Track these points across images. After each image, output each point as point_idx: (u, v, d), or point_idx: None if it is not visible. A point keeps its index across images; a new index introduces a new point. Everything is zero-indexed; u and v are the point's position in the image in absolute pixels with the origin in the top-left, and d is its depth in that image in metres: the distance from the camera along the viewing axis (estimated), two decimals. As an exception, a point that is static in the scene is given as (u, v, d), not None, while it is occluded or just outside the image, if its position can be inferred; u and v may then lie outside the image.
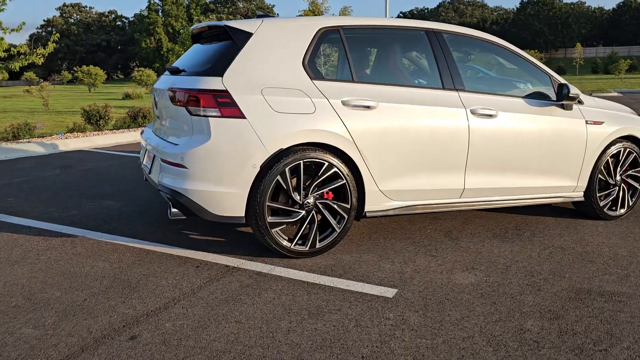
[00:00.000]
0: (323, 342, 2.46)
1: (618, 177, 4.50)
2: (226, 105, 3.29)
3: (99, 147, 8.75)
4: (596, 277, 3.26)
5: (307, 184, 3.50)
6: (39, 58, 9.60)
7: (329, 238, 3.57)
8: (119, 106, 19.53)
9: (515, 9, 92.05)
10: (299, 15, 22.33)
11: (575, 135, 4.20)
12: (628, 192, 4.57)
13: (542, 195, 4.25)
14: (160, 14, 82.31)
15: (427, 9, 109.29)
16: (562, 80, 4.21)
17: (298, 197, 3.45)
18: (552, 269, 3.39)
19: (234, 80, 3.34)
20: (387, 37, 4.12)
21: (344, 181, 3.52)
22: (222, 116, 3.28)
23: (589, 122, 4.26)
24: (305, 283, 3.14)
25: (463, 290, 3.05)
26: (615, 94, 22.91)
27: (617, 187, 4.50)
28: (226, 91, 3.30)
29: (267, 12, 3.94)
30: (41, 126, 10.85)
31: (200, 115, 3.31)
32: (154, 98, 4.16)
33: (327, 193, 3.54)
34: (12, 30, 9.59)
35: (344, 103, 3.49)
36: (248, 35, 3.49)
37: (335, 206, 3.54)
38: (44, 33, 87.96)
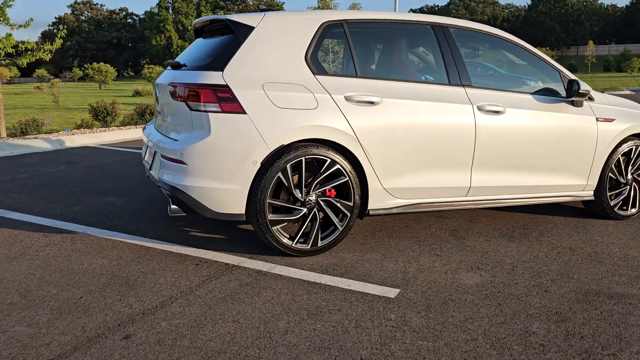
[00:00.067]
0: (321, 344, 2.39)
1: (629, 176, 4.39)
2: (226, 100, 3.23)
3: (105, 144, 8.74)
4: (605, 279, 3.16)
5: (309, 181, 3.43)
6: (46, 54, 9.60)
7: (331, 236, 3.50)
8: (128, 103, 19.59)
9: (526, 6, 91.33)
10: (308, 12, 22.18)
11: (585, 132, 4.09)
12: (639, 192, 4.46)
13: (551, 194, 4.15)
14: (170, 11, 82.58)
15: (438, 6, 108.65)
16: (572, 76, 4.11)
17: (300, 195, 3.38)
18: (560, 270, 3.30)
19: (234, 74, 3.28)
20: (392, 32, 4.04)
21: (347, 178, 3.45)
22: (223, 111, 3.22)
23: (599, 120, 4.15)
24: (305, 282, 3.07)
25: (467, 291, 2.96)
26: (628, 92, 22.62)
27: (629, 186, 4.39)
28: (226, 86, 3.24)
29: (270, 7, 3.87)
30: (49, 122, 10.87)
31: (200, 111, 3.25)
32: (156, 93, 4.11)
33: (329, 190, 3.47)
34: (20, 26, 9.60)
35: (347, 99, 3.42)
36: (250, 29, 3.43)
37: (338, 204, 3.47)
38: (55, 30, 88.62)
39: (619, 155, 4.29)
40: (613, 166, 4.29)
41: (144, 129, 4.35)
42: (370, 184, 3.53)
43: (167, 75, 3.82)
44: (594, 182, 4.25)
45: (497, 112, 3.79)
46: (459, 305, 2.79)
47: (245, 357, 2.28)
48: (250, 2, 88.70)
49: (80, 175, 6.02)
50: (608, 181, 4.30)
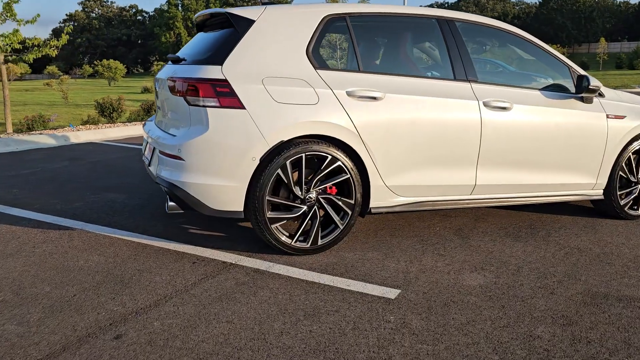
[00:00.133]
0: (317, 346, 2.31)
1: (640, 175, 4.27)
2: (225, 95, 3.15)
3: (110, 140, 8.71)
4: (614, 281, 3.06)
5: (309, 178, 3.35)
6: (53, 50, 9.60)
7: (332, 235, 3.42)
8: (136, 100, 19.63)
9: (537, 3, 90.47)
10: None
11: (595, 129, 3.98)
12: (651, 191, 4.33)
13: (559, 192, 4.05)
14: (179, 8, 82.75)
15: (448, 2, 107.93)
16: (581, 71, 3.99)
17: (299, 192, 3.31)
18: (567, 271, 3.20)
19: (234, 69, 3.20)
20: (396, 25, 3.94)
21: (348, 175, 3.37)
22: (221, 106, 3.15)
23: (610, 116, 4.04)
24: (304, 282, 2.99)
25: (470, 292, 2.87)
26: (640, 89, 22.30)
27: (639, 185, 4.27)
28: (225, 80, 3.16)
29: (271, 1, 3.78)
30: (55, 118, 10.89)
31: (198, 106, 3.18)
32: (156, 89, 4.05)
33: (330, 188, 3.39)
34: (27, 22, 9.61)
35: (349, 94, 3.33)
36: (250, 22, 3.35)
37: (339, 202, 3.39)
38: (72, 29, 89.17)
39: (630, 154, 4.18)
40: (623, 164, 4.17)
41: (144, 125, 4.29)
42: (372, 181, 3.45)
43: (167, 70, 3.76)
44: (603, 180, 4.14)
45: (503, 108, 3.69)
46: (461, 307, 2.70)
47: None
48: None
49: (83, 171, 5.99)
50: (618, 180, 4.18)
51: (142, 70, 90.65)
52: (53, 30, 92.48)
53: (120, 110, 10.96)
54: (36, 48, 9.50)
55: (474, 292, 2.88)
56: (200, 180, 3.17)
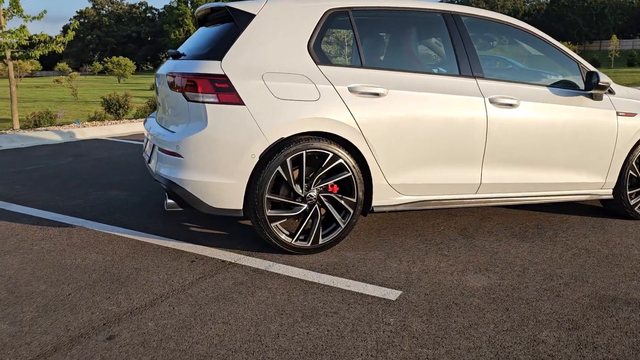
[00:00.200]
0: (313, 349, 2.25)
1: (651, 174, 4.16)
2: (224, 90, 3.09)
3: (115, 136, 8.69)
4: (623, 283, 2.97)
5: (310, 176, 3.28)
6: (59, 46, 9.60)
7: (333, 234, 3.35)
8: (145, 97, 19.65)
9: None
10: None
11: (604, 127, 3.88)
12: (662, 190, 4.22)
13: (567, 191, 3.95)
14: (189, 5, 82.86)
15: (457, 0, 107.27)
16: (591, 67, 3.90)
17: (300, 190, 3.24)
18: (574, 273, 3.11)
19: (233, 64, 3.14)
20: (400, 20, 3.86)
21: (350, 173, 3.30)
22: (220, 102, 3.09)
23: (620, 114, 3.93)
24: (303, 282, 2.93)
25: (474, 294, 2.80)
26: (652, 87, 22.00)
27: (650, 185, 4.17)
28: (224, 76, 3.10)
29: None
30: (62, 115, 10.90)
31: (197, 102, 3.12)
32: (156, 85, 4.00)
33: (331, 186, 3.33)
34: (33, 18, 9.61)
35: (351, 90, 3.26)
36: (250, 16, 3.28)
37: (340, 200, 3.32)
38: (79, 25, 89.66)
39: (641, 152, 4.07)
40: (634, 163, 4.07)
41: (144, 121, 4.25)
42: (375, 179, 3.38)
43: (167, 66, 3.70)
44: (613, 179, 4.04)
45: (510, 105, 3.60)
46: (463, 309, 2.63)
47: (232, 362, 2.15)
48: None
49: (86, 168, 5.96)
50: (628, 179, 4.08)
51: (152, 67, 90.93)
52: (63, 27, 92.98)
53: (126, 106, 10.95)
54: (42, 44, 9.49)
55: (477, 293, 2.81)
56: (199, 178, 3.12)
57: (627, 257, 3.38)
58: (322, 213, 3.34)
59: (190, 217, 4.09)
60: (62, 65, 57.90)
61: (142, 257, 3.26)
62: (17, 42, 9.32)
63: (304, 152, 3.18)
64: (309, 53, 3.27)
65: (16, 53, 9.73)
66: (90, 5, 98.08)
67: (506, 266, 3.19)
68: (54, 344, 2.26)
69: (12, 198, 4.61)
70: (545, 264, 3.24)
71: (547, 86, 3.81)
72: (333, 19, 3.43)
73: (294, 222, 3.58)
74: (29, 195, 4.72)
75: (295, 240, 3.28)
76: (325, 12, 3.38)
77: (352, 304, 2.67)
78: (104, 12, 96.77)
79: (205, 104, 3.09)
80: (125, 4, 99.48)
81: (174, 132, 3.30)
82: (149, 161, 3.68)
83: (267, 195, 3.17)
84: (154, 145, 3.59)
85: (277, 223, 3.25)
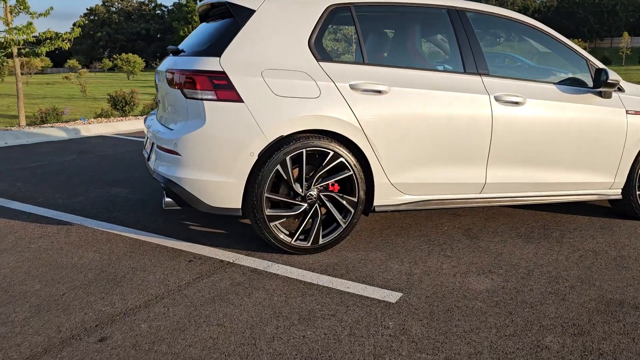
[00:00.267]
0: (309, 353, 2.19)
1: (662, 174, 4.05)
2: (222, 87, 3.03)
3: (120, 133, 8.67)
4: (631, 287, 2.88)
5: (310, 174, 3.22)
6: (65, 43, 9.58)
7: (334, 234, 3.29)
8: (152, 94, 19.63)
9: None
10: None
11: (613, 125, 3.78)
12: (673, 191, 4.12)
13: (574, 192, 3.86)
14: (198, 2, 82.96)
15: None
16: (600, 64, 3.80)
17: (300, 189, 3.18)
18: (581, 275, 3.02)
19: (232, 60, 3.08)
20: (403, 16, 3.78)
21: (351, 172, 3.23)
22: (218, 99, 3.03)
23: (629, 112, 3.83)
24: (301, 283, 2.87)
25: (476, 297, 2.72)
26: (664, 85, 21.67)
27: (660, 185, 4.06)
28: (223, 72, 3.04)
29: None
30: (69, 112, 10.91)
31: (195, 99, 3.07)
32: (156, 82, 3.95)
33: (332, 185, 3.26)
34: (40, 14, 9.60)
35: (352, 87, 3.19)
36: (250, 12, 3.22)
37: (341, 199, 3.26)
38: (86, 21, 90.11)
39: (651, 151, 3.97)
40: (644, 163, 3.97)
41: (145, 119, 4.20)
42: (376, 178, 3.31)
43: (166, 62, 3.66)
44: (622, 179, 3.94)
45: (516, 103, 3.51)
46: (465, 313, 2.55)
47: (225, 366, 2.10)
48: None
49: (90, 165, 5.93)
50: (638, 179, 3.98)
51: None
52: (73, 24, 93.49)
53: (132, 103, 10.93)
54: (49, 41, 9.49)
55: (480, 296, 2.73)
56: (197, 176, 3.07)
57: (636, 259, 3.29)
58: (323, 212, 3.28)
59: (190, 215, 4.04)
60: (72, 62, 58.22)
61: (139, 256, 3.22)
62: (23, 39, 9.32)
63: (303, 150, 3.12)
64: (310, 49, 3.20)
65: (22, 50, 9.74)
66: (100, 2, 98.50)
67: (510, 268, 3.12)
68: (45, 345, 2.21)
69: (14, 195, 4.58)
70: (551, 266, 3.16)
71: (554, 84, 3.72)
72: (335, 15, 3.36)
73: (294, 222, 3.52)
74: (31, 192, 4.70)
75: (295, 240, 3.22)
76: (327, 8, 3.31)
77: (351, 307, 2.60)
78: (114, 9, 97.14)
79: (204, 101, 3.03)
80: (134, 1, 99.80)
81: (172, 129, 3.25)
82: (149, 159, 3.63)
83: (266, 194, 3.11)
84: (153, 143, 3.54)
85: (277, 222, 3.19)
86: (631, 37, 63.43)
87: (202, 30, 3.69)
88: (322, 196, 3.23)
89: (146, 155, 3.75)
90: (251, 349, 2.22)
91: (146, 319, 2.45)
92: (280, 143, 3.08)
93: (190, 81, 3.08)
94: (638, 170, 3.95)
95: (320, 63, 3.19)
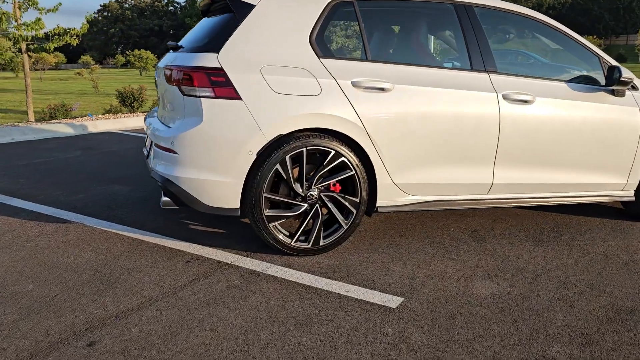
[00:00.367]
0: (303, 361, 2.11)
1: (677, 175, 3.91)
2: (220, 84, 2.95)
3: (127, 129, 8.64)
4: (643, 294, 2.77)
5: (310, 174, 3.13)
6: (73, 39, 9.58)
7: (335, 235, 3.20)
8: (161, 89, 19.60)
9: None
10: None
11: (626, 125, 3.65)
12: (688, 193, 3.97)
13: (585, 193, 3.73)
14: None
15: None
16: (613, 62, 3.66)
17: (300, 189, 3.09)
18: (590, 281, 2.91)
19: (231, 57, 3.00)
20: (408, 11, 3.67)
21: (353, 172, 3.14)
22: (216, 97, 2.95)
23: (644, 111, 3.70)
24: (300, 286, 2.79)
25: (480, 303, 2.62)
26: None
27: (676, 187, 3.92)
28: (221, 69, 2.96)
29: None
30: (77, 107, 10.91)
31: (193, 96, 2.99)
32: (156, 79, 3.88)
33: (333, 185, 3.17)
34: (48, 10, 9.60)
35: (354, 84, 3.10)
36: (249, 7, 3.13)
37: (343, 200, 3.17)
38: (100, 18, 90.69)
39: (666, 152, 3.83)
40: (658, 164, 3.83)
41: (145, 117, 4.14)
42: (379, 178, 3.21)
43: (165, 58, 3.58)
44: (635, 180, 3.81)
45: (525, 102, 3.40)
46: (468, 320, 2.45)
47: (215, 374, 2.02)
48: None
49: (95, 162, 5.89)
50: (652, 180, 3.84)
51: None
52: (87, 20, 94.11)
53: (141, 99, 10.91)
54: (57, 37, 9.48)
55: (485, 302, 2.63)
56: (194, 175, 2.99)
57: (649, 264, 3.17)
58: (324, 213, 3.20)
59: (190, 214, 3.97)
60: (86, 58, 58.54)
61: (136, 256, 3.16)
62: (32, 35, 9.32)
63: (304, 149, 3.03)
64: (311, 45, 3.11)
65: (31, 45, 9.75)
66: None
67: (517, 272, 3.01)
68: (31, 350, 2.15)
69: (15, 192, 4.55)
70: (560, 270, 3.05)
71: (565, 81, 3.60)
72: (337, 10, 3.26)
73: (295, 222, 3.44)
74: (32, 189, 4.66)
75: (295, 241, 3.14)
76: (329, 3, 3.21)
77: (350, 312, 2.52)
78: (127, 5, 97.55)
79: (201, 99, 2.95)
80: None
81: (170, 127, 3.18)
82: (147, 157, 3.56)
83: (265, 194, 3.03)
84: (152, 141, 3.47)
85: (276, 223, 3.11)
86: (647, 34, 62.37)
87: (202, 26, 3.61)
88: (323, 196, 3.14)
89: (146, 153, 3.69)
90: (244, 355, 2.14)
91: (138, 323, 2.38)
92: (280, 142, 3.00)
93: (188, 78, 3.00)
94: (652, 171, 3.81)
95: (321, 60, 3.10)
